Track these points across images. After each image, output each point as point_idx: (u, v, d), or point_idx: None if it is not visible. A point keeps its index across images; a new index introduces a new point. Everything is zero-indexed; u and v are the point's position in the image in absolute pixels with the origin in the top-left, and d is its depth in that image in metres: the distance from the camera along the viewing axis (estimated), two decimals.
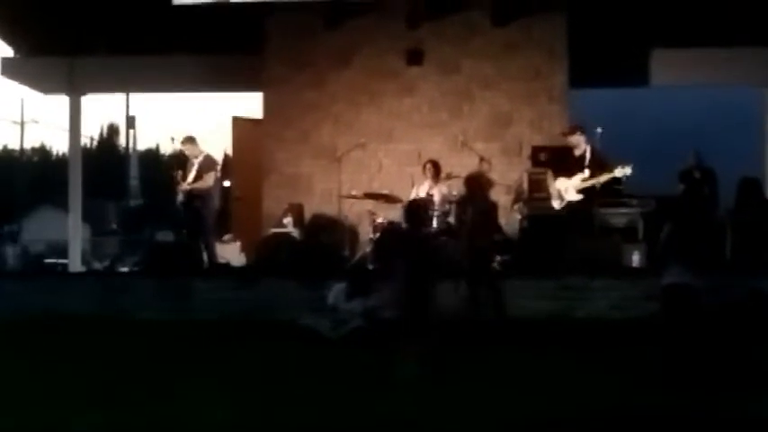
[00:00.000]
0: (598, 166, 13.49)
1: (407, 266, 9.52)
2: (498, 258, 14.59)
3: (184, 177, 14.80)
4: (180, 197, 14.73)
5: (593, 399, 7.18)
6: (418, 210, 11.63)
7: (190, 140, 15.13)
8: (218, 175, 15.10)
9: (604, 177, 13.43)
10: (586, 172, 13.47)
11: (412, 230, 10.63)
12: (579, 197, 13.52)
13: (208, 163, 14.96)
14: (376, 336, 10.32)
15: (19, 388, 7.96)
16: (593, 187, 13.55)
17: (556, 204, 13.74)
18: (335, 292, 11.21)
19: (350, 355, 9.48)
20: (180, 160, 15.60)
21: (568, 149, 13.88)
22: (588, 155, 13.57)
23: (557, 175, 13.80)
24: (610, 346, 9.75)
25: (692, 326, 8.57)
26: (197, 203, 14.66)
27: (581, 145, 13.68)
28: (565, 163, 13.80)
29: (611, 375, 8.18)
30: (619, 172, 13.33)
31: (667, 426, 6.58)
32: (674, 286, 9.07)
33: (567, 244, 13.53)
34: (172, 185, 15.01)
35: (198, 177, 14.68)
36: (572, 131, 13.95)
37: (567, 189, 13.54)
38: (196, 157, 14.90)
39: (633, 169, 13.35)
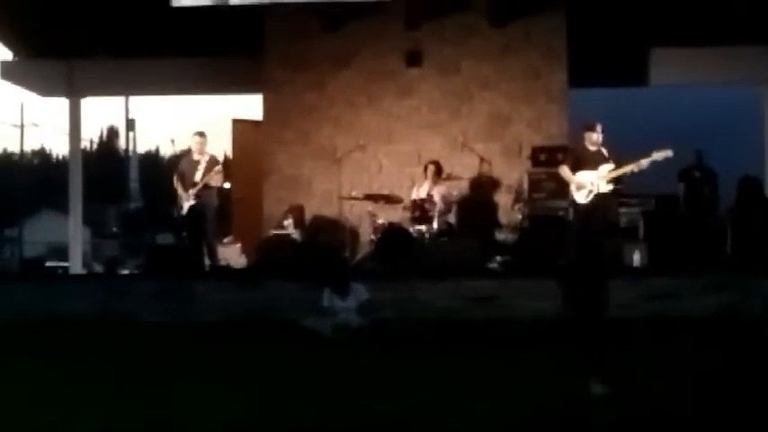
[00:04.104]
0: (620, 157, 13.38)
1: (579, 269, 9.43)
2: (498, 258, 14.66)
3: (185, 182, 14.81)
4: (187, 199, 14.69)
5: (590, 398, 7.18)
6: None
7: (203, 135, 15.11)
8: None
9: (639, 163, 13.24)
10: (611, 164, 13.35)
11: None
12: (610, 187, 13.40)
13: (216, 163, 14.98)
14: (379, 337, 10.39)
15: (20, 391, 7.96)
16: (621, 177, 13.45)
17: (581, 196, 13.49)
18: (327, 293, 11.21)
19: (353, 357, 9.48)
20: (176, 165, 15.57)
21: (582, 145, 13.75)
22: (605, 150, 13.47)
23: (575, 169, 13.60)
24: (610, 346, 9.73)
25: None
26: (202, 203, 14.67)
27: (599, 141, 13.54)
28: (582, 158, 13.64)
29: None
30: (657, 155, 13.13)
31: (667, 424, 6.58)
32: None
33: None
34: (173, 191, 14.99)
35: (207, 177, 14.68)
36: (592, 127, 13.71)
37: (594, 182, 13.35)
38: (202, 155, 14.90)
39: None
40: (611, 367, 8.02)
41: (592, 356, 8.49)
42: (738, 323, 10.99)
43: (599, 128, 13.51)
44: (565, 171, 13.60)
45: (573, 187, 13.45)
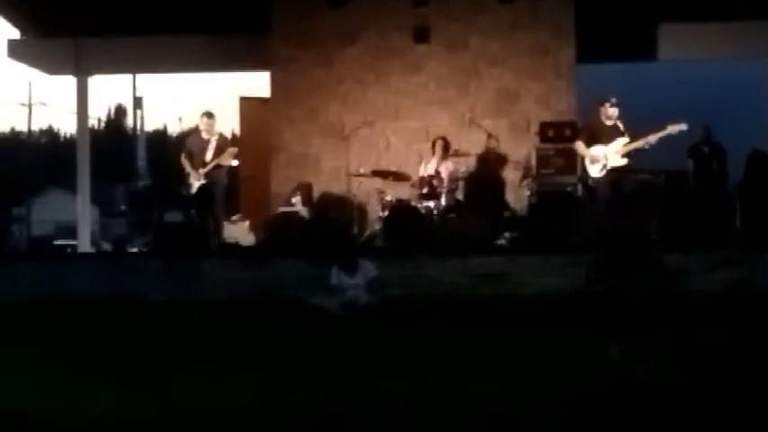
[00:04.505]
0: (634, 132, 13.34)
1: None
2: (506, 235, 14.64)
3: (193, 161, 14.78)
4: (197, 179, 14.67)
5: (601, 375, 7.17)
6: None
7: (211, 116, 15.06)
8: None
9: (654, 136, 13.21)
10: (626, 137, 13.34)
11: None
12: (624, 162, 13.39)
13: (226, 142, 14.99)
14: (387, 314, 10.38)
15: (30, 371, 7.97)
16: (636, 150, 13.40)
17: (595, 171, 13.53)
18: (335, 270, 11.20)
19: (361, 335, 9.48)
20: (184, 144, 15.55)
21: (597, 119, 13.73)
22: (621, 124, 13.47)
23: (590, 144, 13.61)
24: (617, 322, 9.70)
25: None
26: (212, 183, 14.67)
27: (614, 115, 13.54)
28: (598, 132, 13.63)
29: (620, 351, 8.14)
30: (671, 128, 13.10)
31: (673, 399, 6.57)
32: None
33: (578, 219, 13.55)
34: (182, 170, 14.96)
35: (219, 157, 14.65)
36: (608, 101, 13.67)
37: (608, 155, 13.37)
38: (211, 134, 14.87)
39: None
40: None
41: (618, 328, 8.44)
42: (747, 298, 10.96)
43: (614, 102, 13.51)
44: (579, 146, 13.68)
45: (587, 161, 13.50)
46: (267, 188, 17.52)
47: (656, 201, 14.43)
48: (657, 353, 7.57)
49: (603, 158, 13.32)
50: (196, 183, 14.70)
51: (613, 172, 13.44)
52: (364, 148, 16.75)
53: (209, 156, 14.68)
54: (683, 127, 13.09)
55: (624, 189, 13.61)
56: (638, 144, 13.26)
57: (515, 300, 11.51)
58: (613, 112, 13.50)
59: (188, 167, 14.79)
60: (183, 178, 14.96)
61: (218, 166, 14.68)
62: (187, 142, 15.36)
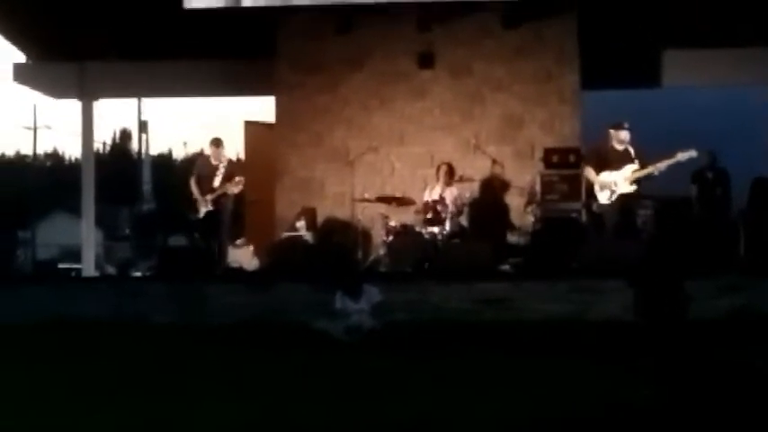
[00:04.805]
0: (645, 158, 13.34)
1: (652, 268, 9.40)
2: (511, 260, 14.64)
3: (201, 186, 14.82)
4: (204, 204, 14.72)
5: (604, 401, 7.17)
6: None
7: (219, 143, 15.11)
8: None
9: (664, 163, 13.22)
10: (636, 163, 13.34)
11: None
12: (633, 188, 13.40)
13: (235, 168, 15.05)
14: (391, 339, 10.37)
15: (33, 393, 7.97)
16: (645, 177, 13.41)
17: (604, 197, 13.52)
18: (339, 295, 11.18)
19: (365, 359, 9.47)
20: (193, 168, 15.61)
21: (608, 145, 13.72)
22: (632, 149, 13.46)
23: (600, 169, 13.61)
24: (624, 349, 9.71)
25: None
26: (219, 210, 14.70)
27: (626, 140, 13.53)
28: (607, 157, 13.63)
29: (624, 378, 8.15)
30: (681, 156, 13.12)
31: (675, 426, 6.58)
32: None
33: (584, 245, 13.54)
34: (189, 194, 14.99)
35: (228, 182, 14.68)
36: (620, 126, 13.69)
37: (617, 182, 13.36)
38: (220, 161, 14.91)
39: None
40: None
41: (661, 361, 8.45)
42: (751, 325, 10.95)
43: (627, 126, 13.52)
44: (589, 172, 13.67)
45: (596, 187, 13.50)
46: (272, 213, 17.54)
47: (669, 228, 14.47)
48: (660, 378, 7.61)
49: (613, 185, 13.32)
50: (203, 209, 14.75)
51: (623, 198, 13.44)
52: (369, 173, 16.77)
53: (217, 182, 14.74)
54: (693, 154, 13.13)
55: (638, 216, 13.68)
56: (648, 171, 13.27)
57: (519, 325, 11.50)
58: (625, 136, 13.47)
59: (196, 193, 14.83)
60: (191, 203, 14.98)
61: (224, 194, 14.72)
62: (196, 167, 15.41)
